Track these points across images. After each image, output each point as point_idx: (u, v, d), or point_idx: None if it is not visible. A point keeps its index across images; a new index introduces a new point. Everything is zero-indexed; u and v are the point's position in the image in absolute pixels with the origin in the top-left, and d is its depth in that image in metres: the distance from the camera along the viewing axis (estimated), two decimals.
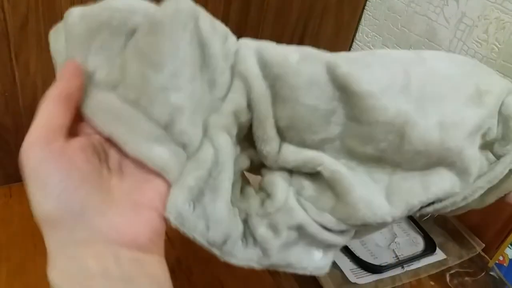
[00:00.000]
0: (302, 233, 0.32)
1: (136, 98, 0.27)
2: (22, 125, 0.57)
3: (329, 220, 0.31)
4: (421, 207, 0.33)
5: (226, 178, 0.29)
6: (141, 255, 0.23)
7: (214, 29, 0.29)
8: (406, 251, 0.56)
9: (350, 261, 0.53)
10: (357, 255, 0.53)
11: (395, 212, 0.31)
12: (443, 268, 0.56)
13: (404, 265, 0.54)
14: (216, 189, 0.28)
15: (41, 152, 0.23)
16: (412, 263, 0.55)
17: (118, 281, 0.22)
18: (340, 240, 0.33)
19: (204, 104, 0.29)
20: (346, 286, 0.50)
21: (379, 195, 0.31)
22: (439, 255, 0.57)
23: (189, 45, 0.27)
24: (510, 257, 0.58)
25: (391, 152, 0.30)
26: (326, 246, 0.33)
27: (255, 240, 0.31)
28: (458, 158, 0.31)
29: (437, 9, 0.63)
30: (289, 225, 0.31)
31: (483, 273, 0.57)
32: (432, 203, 0.33)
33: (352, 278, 0.51)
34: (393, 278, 0.53)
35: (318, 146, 0.31)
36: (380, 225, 0.32)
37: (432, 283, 0.54)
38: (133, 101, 0.27)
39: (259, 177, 0.34)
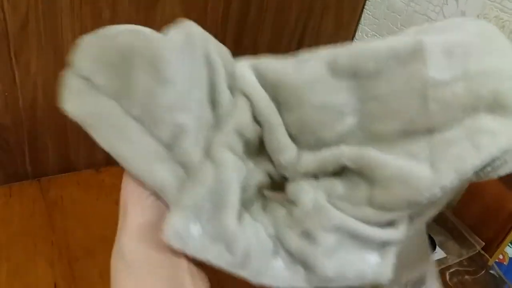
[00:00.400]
0: (343, 235, 0.28)
1: (141, 114, 0.26)
2: (22, 124, 0.57)
3: (369, 212, 0.28)
4: (477, 172, 0.28)
5: (231, 193, 0.27)
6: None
7: (221, 54, 0.29)
8: None
9: None
10: None
11: (443, 181, 0.26)
12: (443, 266, 0.56)
13: None
14: (221, 206, 0.27)
15: None
16: None
17: (184, 272, 0.27)
18: (393, 234, 0.28)
19: (207, 125, 0.29)
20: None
21: (419, 167, 0.27)
22: (439, 253, 0.57)
23: (200, 67, 0.28)
24: (510, 255, 0.58)
25: (420, 118, 0.27)
26: (380, 246, 0.28)
27: (292, 256, 0.28)
28: (496, 99, 0.26)
29: (436, 8, 0.63)
30: (325, 227, 0.28)
31: (483, 272, 0.57)
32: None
33: None
34: None
35: (338, 142, 0.30)
36: (432, 202, 0.27)
37: None
38: (137, 116, 0.27)
39: None
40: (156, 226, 0.27)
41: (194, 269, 0.28)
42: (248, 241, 0.27)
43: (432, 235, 0.59)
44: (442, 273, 0.55)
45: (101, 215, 0.56)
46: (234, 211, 0.27)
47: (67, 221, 0.54)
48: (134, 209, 0.28)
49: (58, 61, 0.54)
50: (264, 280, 0.27)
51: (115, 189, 0.64)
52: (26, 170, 0.60)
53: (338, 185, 0.29)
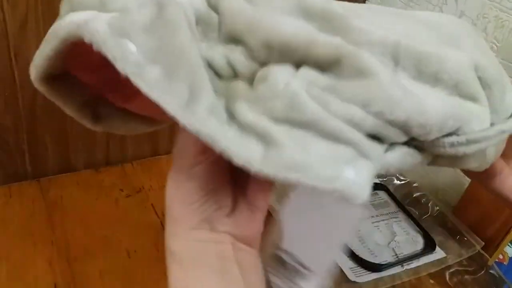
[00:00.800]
0: (317, 133, 0.23)
1: None
2: (22, 125, 0.57)
3: (359, 114, 0.23)
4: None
5: (181, 20, 0.23)
6: (245, 246, 0.29)
7: None
8: (405, 250, 0.56)
9: (350, 259, 0.53)
10: (356, 253, 0.53)
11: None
12: (442, 266, 0.56)
13: (404, 264, 0.54)
14: (166, 22, 0.23)
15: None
16: (411, 261, 0.55)
17: (232, 262, 0.27)
18: (374, 149, 0.24)
19: None
20: (346, 284, 0.50)
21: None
22: (438, 253, 0.57)
23: None
24: (510, 255, 0.58)
25: None
26: (355, 157, 0.23)
27: (243, 128, 0.23)
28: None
29: (436, 8, 0.63)
30: (295, 121, 0.22)
31: (483, 271, 0.57)
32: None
33: (351, 276, 0.51)
34: (392, 276, 0.53)
35: None
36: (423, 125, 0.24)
37: (431, 281, 0.54)
38: None
39: None
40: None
41: (241, 254, 0.28)
42: (199, 73, 0.22)
43: (431, 235, 0.59)
44: (442, 273, 0.55)
45: (100, 215, 0.56)
46: (186, 30, 0.23)
47: (66, 221, 0.54)
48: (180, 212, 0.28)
49: None
50: (206, 130, 0.22)
51: (115, 189, 0.65)
52: (26, 170, 0.60)
53: (325, 76, 0.24)
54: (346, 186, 0.22)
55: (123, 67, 0.22)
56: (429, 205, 0.64)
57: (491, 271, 0.57)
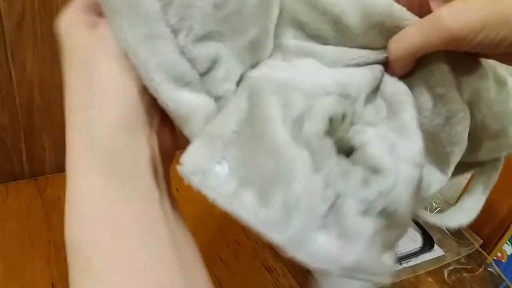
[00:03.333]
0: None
1: (179, 24, 0.21)
2: (19, 123, 0.57)
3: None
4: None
5: (271, 121, 0.21)
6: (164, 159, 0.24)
7: None
8: (404, 248, 0.56)
9: None
10: None
11: None
12: (441, 264, 0.56)
13: (402, 262, 0.54)
14: (259, 137, 0.21)
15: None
16: (410, 259, 0.55)
17: (151, 175, 0.22)
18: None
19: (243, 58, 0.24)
20: None
21: None
22: (437, 251, 0.57)
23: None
24: (508, 253, 0.58)
25: None
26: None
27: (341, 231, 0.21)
28: None
29: None
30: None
31: (481, 269, 0.57)
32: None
33: None
34: None
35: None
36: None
37: (430, 279, 0.54)
38: (173, 25, 0.21)
39: None
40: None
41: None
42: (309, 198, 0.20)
43: (430, 233, 0.59)
44: (440, 271, 0.55)
45: None
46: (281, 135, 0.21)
47: (64, 220, 0.54)
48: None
49: (55, 60, 0.54)
50: (302, 255, 0.20)
51: None
52: (23, 169, 0.60)
53: None
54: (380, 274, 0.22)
55: (214, 198, 0.20)
56: (428, 203, 0.64)
57: (489, 269, 0.57)
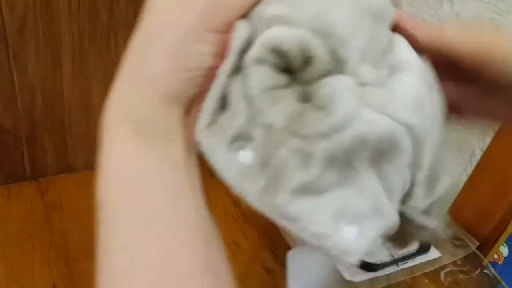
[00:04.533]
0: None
1: None
2: (21, 126, 0.57)
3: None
4: None
5: None
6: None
7: None
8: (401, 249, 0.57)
9: None
10: None
11: None
12: (437, 266, 0.56)
13: (399, 263, 0.55)
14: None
15: None
16: (407, 261, 0.55)
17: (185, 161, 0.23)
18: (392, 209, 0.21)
19: None
20: (341, 283, 0.51)
21: None
22: (433, 253, 0.57)
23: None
24: (504, 255, 0.58)
25: None
26: (367, 214, 0.21)
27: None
28: None
29: (431, 10, 0.63)
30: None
31: (478, 271, 0.57)
32: None
33: (347, 275, 0.52)
34: (388, 276, 0.53)
35: None
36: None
37: (426, 281, 0.54)
38: None
39: None
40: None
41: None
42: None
43: None
44: (436, 272, 0.56)
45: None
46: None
47: (65, 222, 0.55)
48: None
49: (56, 62, 0.54)
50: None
51: None
52: (25, 171, 0.60)
53: None
54: (338, 246, 0.20)
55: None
56: None
57: (485, 271, 0.57)
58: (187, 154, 0.22)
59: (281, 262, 0.54)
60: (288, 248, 0.56)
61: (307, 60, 0.21)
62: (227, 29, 0.21)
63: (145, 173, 0.21)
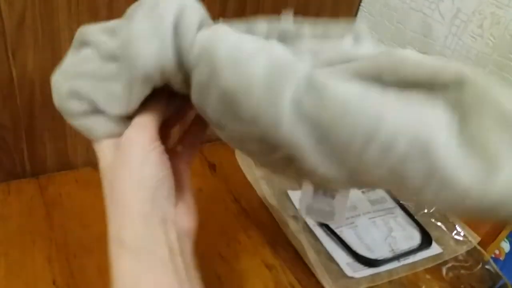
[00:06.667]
0: None
1: None
2: (20, 123, 0.57)
3: None
4: None
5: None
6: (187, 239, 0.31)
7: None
8: (402, 245, 0.57)
9: (347, 254, 0.54)
10: (353, 249, 0.54)
11: None
12: (439, 261, 0.56)
13: (401, 259, 0.55)
14: None
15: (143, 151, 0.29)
16: (408, 257, 0.55)
17: (177, 253, 0.29)
18: None
19: None
20: (343, 280, 0.51)
21: None
22: (435, 249, 0.57)
23: None
24: (506, 250, 0.58)
25: None
26: None
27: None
28: None
29: (432, 4, 0.63)
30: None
31: (479, 267, 0.57)
32: None
33: (348, 271, 0.52)
34: (389, 271, 0.53)
35: None
36: None
37: (428, 276, 0.54)
38: None
39: None
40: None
41: (183, 245, 0.30)
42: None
43: (428, 231, 0.59)
44: (438, 268, 0.56)
45: (99, 212, 0.56)
46: None
47: (65, 218, 0.55)
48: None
49: (55, 59, 0.54)
50: None
51: None
52: (25, 168, 0.60)
53: None
54: None
55: None
56: None
57: (487, 267, 0.57)
58: (170, 255, 0.28)
59: (282, 258, 0.54)
60: (289, 244, 0.56)
61: None
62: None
63: (139, 280, 0.28)
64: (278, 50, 0.26)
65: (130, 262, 0.28)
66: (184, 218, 0.31)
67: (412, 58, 0.23)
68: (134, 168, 0.28)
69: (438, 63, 0.23)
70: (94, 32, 0.31)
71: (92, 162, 0.64)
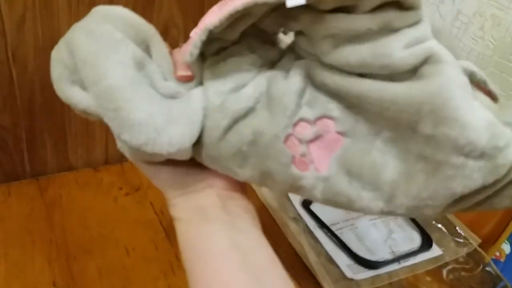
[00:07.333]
0: None
1: None
2: (20, 124, 0.57)
3: None
4: None
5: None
6: (230, 193, 0.34)
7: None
8: (402, 247, 0.56)
9: (347, 256, 0.54)
10: (353, 251, 0.54)
11: None
12: (439, 264, 0.56)
13: (401, 261, 0.55)
14: None
15: None
16: (408, 258, 0.55)
17: (220, 209, 0.32)
18: None
19: None
20: (343, 281, 0.51)
21: None
22: (435, 250, 0.57)
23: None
24: (506, 252, 0.58)
25: None
26: None
27: None
28: None
29: (433, 6, 0.63)
30: None
31: (480, 269, 0.57)
32: None
33: (349, 273, 0.51)
34: (389, 273, 0.53)
35: None
36: None
37: (428, 278, 0.54)
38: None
39: None
40: None
41: (228, 202, 0.33)
42: None
43: (428, 232, 0.59)
44: (438, 270, 0.56)
45: (99, 214, 0.56)
46: None
47: (65, 220, 0.54)
48: None
49: None
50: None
51: (114, 188, 0.65)
52: (25, 169, 0.60)
53: None
54: None
55: None
56: None
57: (487, 269, 0.57)
58: (223, 209, 0.32)
59: (282, 260, 0.53)
60: (289, 245, 0.55)
61: None
62: None
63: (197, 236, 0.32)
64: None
65: (183, 232, 0.33)
66: (221, 180, 0.34)
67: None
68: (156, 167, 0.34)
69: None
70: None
71: (92, 163, 0.64)
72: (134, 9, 0.54)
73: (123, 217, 0.56)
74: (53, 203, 0.57)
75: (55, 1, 0.51)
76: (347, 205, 0.29)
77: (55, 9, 0.51)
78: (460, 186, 0.25)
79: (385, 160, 0.27)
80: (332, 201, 0.30)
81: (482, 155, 0.25)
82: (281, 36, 0.33)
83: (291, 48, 0.32)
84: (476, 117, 0.25)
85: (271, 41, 0.32)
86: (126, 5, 0.45)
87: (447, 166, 0.25)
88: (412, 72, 0.26)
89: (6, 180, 0.59)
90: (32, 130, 0.58)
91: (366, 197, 0.28)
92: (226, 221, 0.32)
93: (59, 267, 0.49)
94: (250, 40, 0.31)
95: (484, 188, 0.26)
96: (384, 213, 0.29)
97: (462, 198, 0.26)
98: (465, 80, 0.26)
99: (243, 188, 0.36)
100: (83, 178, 0.61)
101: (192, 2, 0.58)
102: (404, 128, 0.27)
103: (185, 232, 0.32)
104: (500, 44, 0.56)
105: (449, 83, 0.25)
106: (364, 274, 0.52)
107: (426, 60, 0.26)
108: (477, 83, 0.28)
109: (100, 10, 0.32)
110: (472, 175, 0.25)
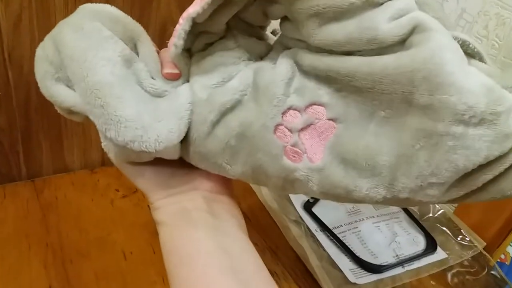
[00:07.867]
0: None
1: None
2: (16, 125, 0.56)
3: None
4: None
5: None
6: (217, 196, 0.33)
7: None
8: (406, 251, 0.55)
9: (350, 260, 0.53)
10: (357, 254, 0.53)
11: None
12: (444, 267, 0.55)
13: (405, 265, 0.54)
14: None
15: None
16: (412, 262, 0.54)
17: (206, 212, 0.32)
18: None
19: None
20: (346, 286, 0.50)
21: None
22: (440, 254, 0.56)
23: None
24: (511, 255, 0.57)
25: None
26: None
27: None
28: None
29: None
30: None
31: (485, 272, 0.56)
32: None
33: (352, 278, 0.50)
34: (393, 278, 0.52)
35: None
36: None
37: (433, 282, 0.53)
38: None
39: None
40: None
41: (213, 204, 0.33)
42: None
43: (433, 236, 0.58)
44: (443, 273, 0.55)
45: (95, 216, 0.55)
46: None
47: (61, 222, 0.54)
48: None
49: None
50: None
51: (110, 190, 0.64)
52: (20, 171, 0.59)
53: None
54: None
55: None
56: (430, 205, 0.64)
57: (492, 272, 0.56)
58: (210, 211, 0.32)
59: (283, 264, 0.53)
60: (290, 249, 0.54)
61: None
62: None
63: (184, 239, 0.32)
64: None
65: (166, 235, 0.33)
66: (209, 180, 0.34)
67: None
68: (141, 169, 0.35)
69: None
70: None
71: (88, 165, 0.63)
72: (132, 7, 0.54)
73: (120, 219, 0.55)
74: (49, 205, 0.56)
75: (52, 1, 0.50)
76: (346, 197, 0.28)
77: (51, 9, 0.51)
78: (462, 157, 0.24)
79: (380, 143, 0.27)
80: (331, 194, 0.29)
81: (482, 121, 0.24)
82: (269, 35, 0.33)
83: (279, 41, 0.31)
84: (473, 81, 0.24)
85: (258, 36, 0.32)
86: (124, 3, 0.44)
87: (447, 137, 0.24)
88: (400, 45, 0.26)
89: (2, 182, 0.58)
90: (28, 132, 0.57)
91: (365, 186, 0.27)
92: (212, 224, 0.31)
93: (55, 271, 0.48)
94: (236, 34, 0.30)
95: (489, 164, 0.25)
96: (387, 200, 0.27)
97: (467, 175, 0.25)
98: (456, 45, 0.25)
99: (231, 192, 0.34)
100: (79, 180, 0.60)
101: (191, 0, 0.57)
102: (399, 103, 0.26)
103: (168, 235, 0.31)
104: (505, 43, 0.55)
105: (440, 48, 0.24)
106: (367, 278, 0.51)
107: (414, 30, 0.25)
108: (472, 55, 0.27)
109: (87, 7, 0.31)
110: (474, 145, 0.24)
